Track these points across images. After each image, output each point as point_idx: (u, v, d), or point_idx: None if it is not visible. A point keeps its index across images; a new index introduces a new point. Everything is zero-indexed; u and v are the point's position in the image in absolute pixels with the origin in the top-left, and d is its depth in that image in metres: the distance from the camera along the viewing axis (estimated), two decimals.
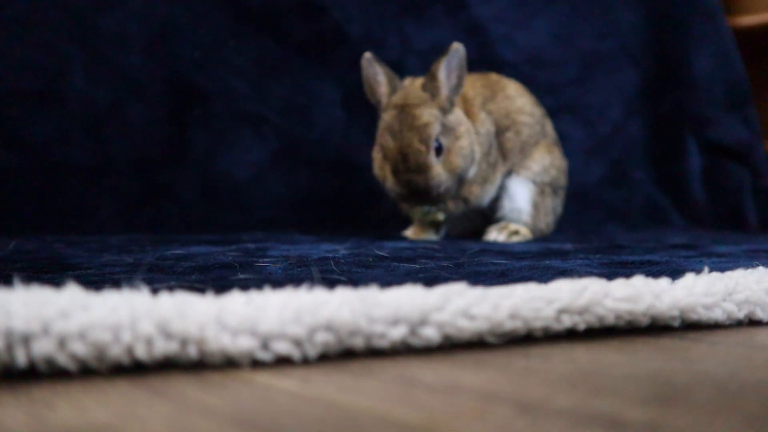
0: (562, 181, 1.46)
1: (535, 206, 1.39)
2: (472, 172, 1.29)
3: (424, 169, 1.21)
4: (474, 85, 1.40)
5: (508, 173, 1.40)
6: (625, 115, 2.13)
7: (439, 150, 1.22)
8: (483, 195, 1.37)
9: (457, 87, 1.27)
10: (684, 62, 2.13)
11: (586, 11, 2.11)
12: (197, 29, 1.71)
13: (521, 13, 2.03)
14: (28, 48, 1.57)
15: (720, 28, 2.14)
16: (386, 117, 1.26)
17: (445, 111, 1.25)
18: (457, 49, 1.24)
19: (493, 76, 1.46)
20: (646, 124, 2.15)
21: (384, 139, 1.25)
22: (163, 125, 1.68)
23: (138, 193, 1.63)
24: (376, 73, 1.31)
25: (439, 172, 1.22)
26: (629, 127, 2.14)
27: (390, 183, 1.26)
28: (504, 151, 1.38)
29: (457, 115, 1.28)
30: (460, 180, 1.28)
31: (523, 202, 1.39)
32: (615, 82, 2.13)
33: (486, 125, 1.34)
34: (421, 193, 1.22)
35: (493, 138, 1.36)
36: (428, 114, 1.21)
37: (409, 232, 1.43)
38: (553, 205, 1.43)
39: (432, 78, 1.25)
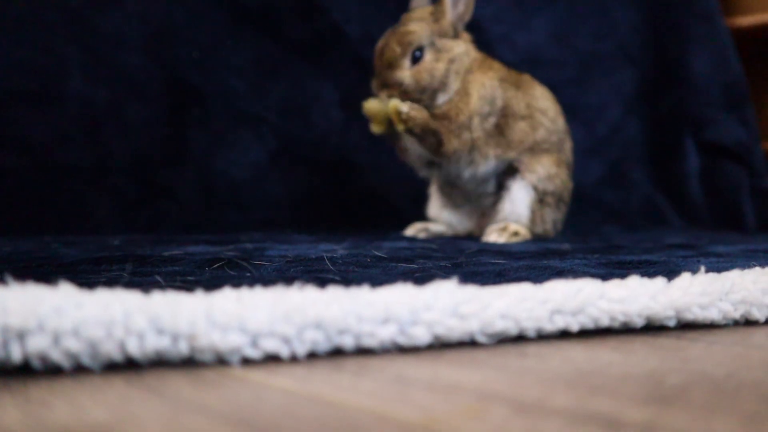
0: (565, 196, 1.43)
1: (534, 212, 1.38)
2: (441, 99, 1.31)
3: (393, 66, 1.28)
4: (506, 70, 1.41)
5: (513, 174, 1.38)
6: (623, 115, 2.14)
7: (417, 60, 1.28)
8: (459, 154, 1.34)
9: (464, 15, 1.33)
10: (682, 63, 2.14)
11: (585, 12, 2.11)
12: (195, 29, 1.71)
13: (520, 13, 2.04)
14: (27, 48, 1.57)
15: (717, 29, 2.14)
16: None
17: (442, 35, 1.31)
18: None
19: (526, 77, 1.45)
20: (644, 125, 2.16)
21: (376, 48, 1.33)
22: (162, 125, 1.68)
23: (136, 193, 1.63)
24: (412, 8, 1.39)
25: (405, 74, 1.28)
26: (627, 128, 2.14)
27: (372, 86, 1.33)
28: (511, 139, 1.36)
29: (457, 46, 1.32)
30: (430, 100, 1.30)
31: (523, 206, 1.37)
32: (613, 82, 2.13)
33: (495, 89, 1.34)
34: (387, 87, 1.29)
35: (497, 110, 1.35)
36: (416, 25, 1.29)
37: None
38: (554, 217, 1.40)
39: (440, 2, 1.32)
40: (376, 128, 1.32)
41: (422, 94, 1.29)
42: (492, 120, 1.34)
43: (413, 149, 1.36)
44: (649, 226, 2.01)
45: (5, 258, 0.94)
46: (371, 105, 1.30)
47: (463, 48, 1.33)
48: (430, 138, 1.31)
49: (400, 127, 1.28)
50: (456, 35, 1.33)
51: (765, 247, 1.18)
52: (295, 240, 1.28)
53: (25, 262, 0.88)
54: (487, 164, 1.37)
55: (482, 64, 1.37)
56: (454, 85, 1.31)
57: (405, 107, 1.27)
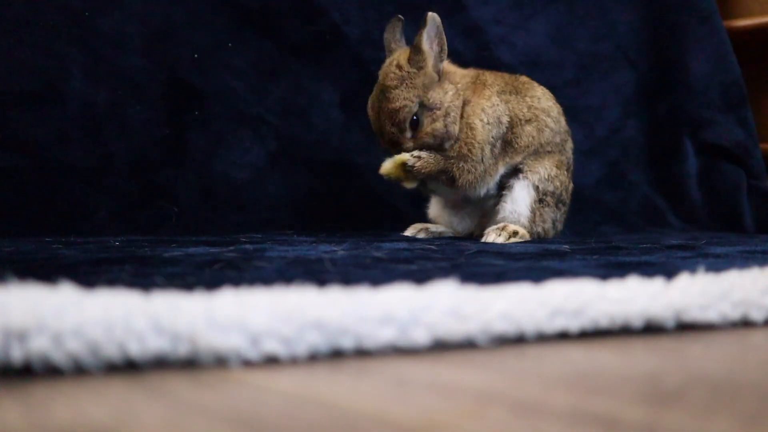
0: (565, 198, 1.44)
1: (534, 211, 1.38)
2: (448, 144, 1.32)
3: (396, 145, 1.31)
4: (501, 78, 1.41)
5: (516, 173, 1.39)
6: (622, 116, 2.14)
7: (415, 124, 1.29)
8: (474, 185, 1.36)
9: (441, 53, 1.31)
10: (680, 64, 2.14)
11: (584, 13, 2.11)
12: (196, 30, 1.71)
13: (519, 14, 2.04)
14: (27, 49, 1.57)
15: (716, 31, 2.14)
16: (373, 90, 1.34)
17: (428, 87, 1.29)
18: (433, 17, 1.28)
19: (524, 78, 1.45)
20: (643, 126, 2.16)
21: (368, 112, 1.34)
22: (162, 126, 1.68)
23: (137, 194, 1.63)
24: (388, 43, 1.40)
25: (410, 146, 1.31)
26: (626, 129, 2.14)
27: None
28: (517, 145, 1.37)
29: (444, 91, 1.31)
30: (442, 145, 1.32)
31: (524, 205, 1.37)
32: (612, 83, 2.13)
33: (496, 106, 1.35)
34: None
35: (505, 128, 1.36)
36: (403, 98, 1.27)
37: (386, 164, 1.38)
38: (553, 217, 1.41)
39: (417, 50, 1.28)
40: (408, 184, 1.35)
41: (436, 144, 1.31)
42: (500, 143, 1.36)
43: (439, 188, 1.39)
44: (648, 227, 2.01)
45: (6, 259, 0.94)
46: (387, 168, 1.32)
47: (451, 92, 1.32)
48: (442, 177, 1.34)
49: (411, 183, 1.33)
50: (439, 74, 1.32)
51: (763, 248, 1.18)
52: (295, 241, 1.28)
53: (25, 262, 0.88)
54: (497, 177, 1.39)
55: (476, 85, 1.36)
56: (458, 120, 1.32)
57: (411, 160, 1.30)
